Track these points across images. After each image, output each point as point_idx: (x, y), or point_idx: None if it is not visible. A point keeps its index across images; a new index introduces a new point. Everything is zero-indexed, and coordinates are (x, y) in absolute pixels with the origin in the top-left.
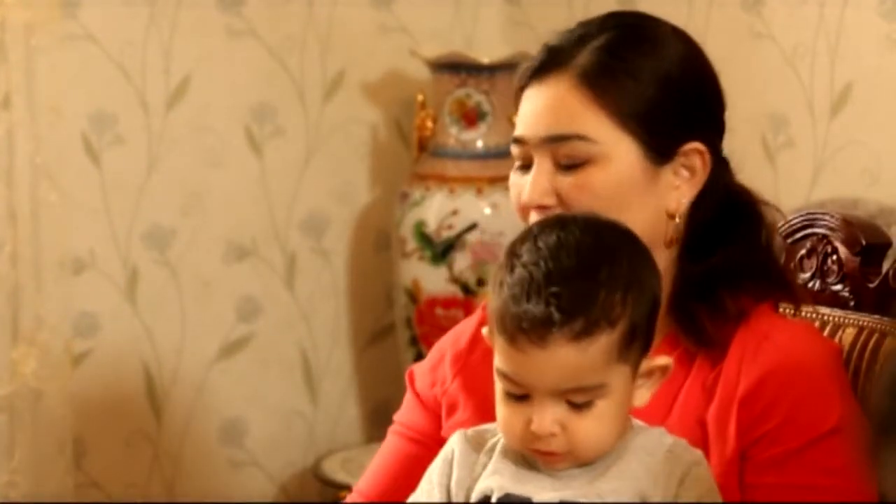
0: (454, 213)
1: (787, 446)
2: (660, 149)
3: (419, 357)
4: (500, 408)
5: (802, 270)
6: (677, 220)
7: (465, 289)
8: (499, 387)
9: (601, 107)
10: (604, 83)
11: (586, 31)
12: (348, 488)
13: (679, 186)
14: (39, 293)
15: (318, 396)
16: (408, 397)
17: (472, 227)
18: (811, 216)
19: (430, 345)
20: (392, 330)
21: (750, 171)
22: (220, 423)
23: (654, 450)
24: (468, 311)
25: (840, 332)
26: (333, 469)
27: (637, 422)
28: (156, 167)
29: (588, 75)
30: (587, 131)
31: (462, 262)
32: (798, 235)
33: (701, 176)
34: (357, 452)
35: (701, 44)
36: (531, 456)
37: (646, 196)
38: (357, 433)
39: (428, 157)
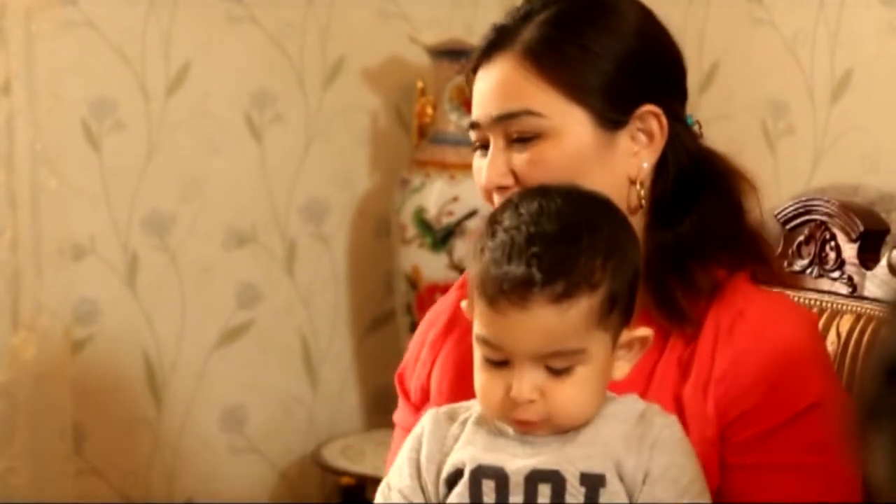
0: (454, 199)
1: (766, 425)
2: (612, 115)
3: None
4: (479, 375)
5: (801, 257)
6: (639, 186)
7: None
8: (478, 354)
9: (547, 80)
10: (548, 57)
11: (532, 7)
12: (348, 474)
13: (638, 152)
14: (39, 279)
15: (318, 383)
16: (400, 400)
17: (473, 213)
18: (809, 202)
19: None
20: (392, 316)
21: (750, 157)
22: (220, 409)
23: (627, 416)
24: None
25: (838, 319)
26: (333, 455)
27: (609, 393)
28: (156, 153)
29: (532, 50)
30: (534, 106)
31: (462, 248)
32: (796, 222)
33: (659, 140)
34: (357, 439)
35: (701, 30)
36: (508, 424)
37: (604, 164)
38: (357, 420)
39: (428, 143)
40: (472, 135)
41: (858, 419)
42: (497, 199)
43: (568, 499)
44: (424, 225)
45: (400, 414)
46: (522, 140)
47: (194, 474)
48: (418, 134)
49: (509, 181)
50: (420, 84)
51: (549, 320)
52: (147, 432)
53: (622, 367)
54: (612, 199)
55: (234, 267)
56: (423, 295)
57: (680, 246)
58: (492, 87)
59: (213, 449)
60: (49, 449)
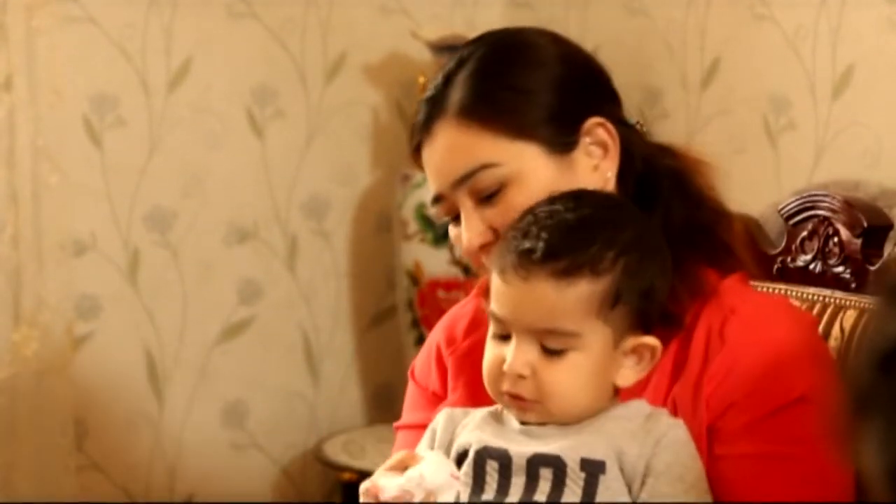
0: None
1: (752, 416)
2: (562, 139)
3: (420, 339)
4: (486, 351)
5: (804, 252)
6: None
7: (467, 271)
8: (490, 332)
9: (490, 130)
10: (484, 108)
11: (449, 70)
12: (349, 470)
13: (598, 165)
14: (41, 275)
15: (320, 378)
16: (412, 394)
17: None
18: (812, 198)
19: (431, 326)
20: (393, 312)
21: (751, 152)
22: (222, 405)
23: (634, 416)
24: (470, 293)
25: (841, 315)
26: (335, 451)
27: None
28: (157, 149)
29: (466, 108)
30: (487, 158)
31: None
32: (799, 217)
33: (613, 147)
34: (358, 434)
35: (702, 26)
36: (506, 405)
37: (571, 187)
38: (358, 415)
39: None
40: (437, 210)
41: (850, 411)
42: (484, 258)
43: (568, 483)
44: (426, 220)
45: (410, 412)
46: (489, 196)
47: (195, 470)
48: None
49: (490, 237)
50: (421, 79)
51: (547, 295)
52: (148, 428)
53: (627, 376)
54: None
55: (236, 263)
56: (425, 290)
57: None
58: (441, 156)
59: (215, 444)
60: (50, 445)
